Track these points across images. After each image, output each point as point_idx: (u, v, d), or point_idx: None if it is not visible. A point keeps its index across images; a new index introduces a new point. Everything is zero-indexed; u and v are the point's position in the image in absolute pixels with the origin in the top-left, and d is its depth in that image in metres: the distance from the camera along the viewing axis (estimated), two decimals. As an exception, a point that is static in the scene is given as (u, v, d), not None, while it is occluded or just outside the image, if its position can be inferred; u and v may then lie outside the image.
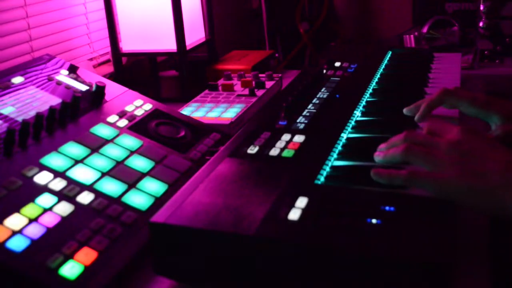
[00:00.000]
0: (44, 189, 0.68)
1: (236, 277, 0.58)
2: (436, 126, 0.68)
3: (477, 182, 0.59)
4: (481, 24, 1.58)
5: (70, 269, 0.59)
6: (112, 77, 1.34)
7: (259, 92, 1.14)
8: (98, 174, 0.74)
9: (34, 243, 0.60)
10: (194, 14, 1.41)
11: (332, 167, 0.70)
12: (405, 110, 0.84)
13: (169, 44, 1.30)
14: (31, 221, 0.63)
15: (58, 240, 0.61)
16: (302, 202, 0.60)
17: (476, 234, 0.67)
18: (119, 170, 0.76)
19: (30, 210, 0.64)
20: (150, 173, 0.77)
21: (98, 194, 0.70)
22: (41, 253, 0.59)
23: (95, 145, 0.79)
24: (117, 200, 0.70)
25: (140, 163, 0.79)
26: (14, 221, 0.62)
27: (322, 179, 0.67)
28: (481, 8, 1.57)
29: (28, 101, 0.85)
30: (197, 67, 1.40)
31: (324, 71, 1.13)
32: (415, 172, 0.61)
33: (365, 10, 2.20)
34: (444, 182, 0.60)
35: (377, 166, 0.70)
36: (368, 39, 2.18)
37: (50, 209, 0.66)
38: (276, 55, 1.55)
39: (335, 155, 0.73)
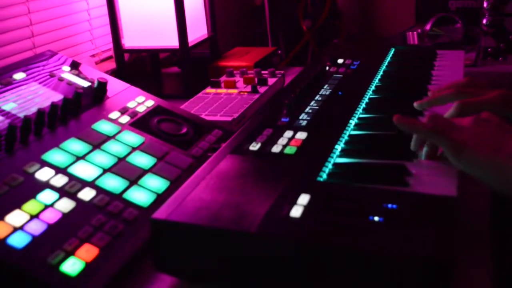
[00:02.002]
0: (46, 185, 0.68)
1: (237, 274, 0.58)
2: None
3: (495, 153, 0.60)
4: (484, 21, 1.58)
5: (71, 266, 0.58)
6: (114, 73, 1.34)
7: (262, 89, 1.14)
8: (100, 171, 0.74)
9: (35, 240, 0.60)
10: (197, 10, 1.41)
11: (335, 164, 0.70)
12: (416, 105, 0.83)
13: (172, 41, 1.30)
14: (32, 217, 0.63)
15: (59, 237, 0.61)
16: (304, 199, 0.60)
17: (477, 231, 0.67)
18: (120, 167, 0.76)
19: (32, 206, 0.64)
20: (151, 170, 0.77)
21: (100, 190, 0.70)
22: (42, 249, 0.59)
23: (97, 142, 0.79)
24: (118, 197, 0.70)
25: (142, 160, 0.79)
26: (16, 217, 0.62)
27: (324, 176, 0.67)
28: (485, 5, 1.57)
29: (30, 97, 0.85)
30: (200, 64, 1.40)
31: (327, 68, 1.13)
32: (440, 128, 0.63)
33: (368, 7, 2.20)
34: (463, 146, 0.61)
35: (379, 163, 0.70)
36: (371, 36, 2.18)
37: (52, 205, 0.66)
38: (279, 52, 1.55)
39: (337, 152, 0.73)
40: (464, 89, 0.77)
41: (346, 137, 0.78)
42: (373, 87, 1.00)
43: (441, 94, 0.79)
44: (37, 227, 0.62)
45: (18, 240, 0.59)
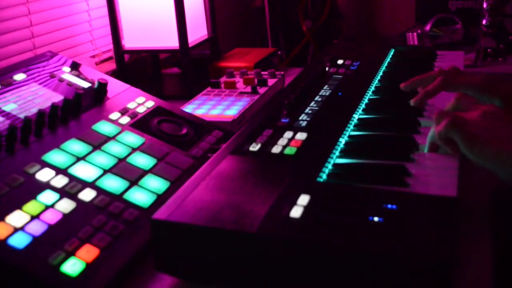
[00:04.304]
0: (46, 186, 0.68)
1: (237, 274, 0.58)
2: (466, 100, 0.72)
3: (507, 146, 0.62)
4: (484, 22, 1.58)
5: (72, 266, 0.59)
6: (114, 74, 1.34)
7: (262, 90, 1.14)
8: (100, 171, 0.74)
9: (36, 240, 0.60)
10: (197, 11, 1.41)
11: (334, 165, 0.70)
12: (402, 86, 0.88)
13: (172, 41, 1.30)
14: (33, 218, 0.63)
15: (60, 237, 0.61)
16: (304, 199, 0.60)
17: (477, 230, 0.67)
18: (121, 167, 0.76)
19: (32, 207, 0.64)
20: (152, 170, 0.77)
21: (100, 191, 0.70)
22: (43, 250, 0.59)
23: (97, 142, 0.79)
24: (119, 197, 0.70)
25: (142, 160, 0.79)
26: (16, 218, 0.62)
27: (324, 176, 0.67)
28: (484, 6, 1.57)
29: (30, 98, 0.85)
30: (200, 65, 1.40)
31: (327, 68, 1.13)
32: (457, 122, 0.65)
33: (368, 7, 2.20)
34: (475, 139, 0.63)
35: (379, 164, 0.70)
36: (371, 36, 2.18)
37: (52, 206, 0.66)
38: (279, 52, 1.55)
39: (337, 153, 0.73)
40: (448, 77, 0.81)
41: (346, 138, 0.78)
42: (372, 88, 1.00)
43: (431, 87, 0.81)
44: (37, 228, 0.62)
45: (19, 241, 0.60)
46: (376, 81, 1.05)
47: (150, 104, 0.95)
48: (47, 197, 0.67)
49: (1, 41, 1.16)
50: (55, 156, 0.74)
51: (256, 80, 1.17)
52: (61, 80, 0.92)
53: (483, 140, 0.63)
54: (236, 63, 1.38)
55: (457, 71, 0.83)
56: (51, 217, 0.64)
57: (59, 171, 0.71)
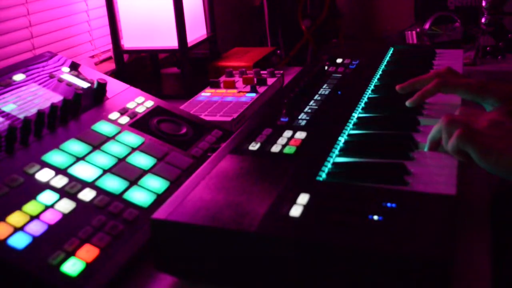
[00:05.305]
0: (46, 186, 0.68)
1: (237, 274, 0.58)
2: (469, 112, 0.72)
3: None
4: (483, 20, 1.58)
5: (72, 266, 0.59)
6: (113, 74, 1.34)
7: (261, 89, 1.14)
8: (100, 171, 0.74)
9: (36, 240, 0.60)
10: (196, 10, 1.41)
11: (334, 164, 0.70)
12: (398, 88, 0.88)
13: (171, 41, 1.30)
14: (32, 218, 0.63)
15: (59, 237, 0.61)
16: (303, 198, 0.60)
17: (477, 230, 0.67)
18: (120, 167, 0.76)
19: (32, 207, 0.64)
20: (151, 170, 0.77)
21: (100, 191, 0.70)
22: (42, 250, 0.59)
23: (97, 142, 0.79)
24: (118, 197, 0.70)
25: (142, 160, 0.79)
26: (16, 218, 0.62)
27: (323, 175, 0.67)
28: (483, 4, 1.57)
29: (29, 98, 0.85)
30: (199, 64, 1.40)
31: (326, 67, 1.13)
32: (469, 134, 0.64)
33: (367, 6, 2.20)
34: (490, 149, 0.62)
35: (378, 163, 0.70)
36: (370, 35, 2.18)
37: (52, 206, 0.66)
38: (278, 51, 1.55)
39: (336, 152, 0.73)
40: (445, 79, 0.81)
41: (345, 137, 0.78)
42: (372, 87, 1.01)
43: (427, 88, 0.82)
44: (37, 228, 0.62)
45: (19, 241, 0.60)
46: (375, 80, 1.05)
47: (150, 104, 0.95)
48: (47, 197, 0.67)
49: (0, 42, 1.16)
50: (54, 156, 0.74)
51: (255, 79, 1.17)
52: (61, 80, 0.92)
53: (498, 150, 0.62)
54: (235, 62, 1.38)
55: (452, 72, 0.83)
56: (51, 217, 0.64)
57: (58, 171, 0.72)
